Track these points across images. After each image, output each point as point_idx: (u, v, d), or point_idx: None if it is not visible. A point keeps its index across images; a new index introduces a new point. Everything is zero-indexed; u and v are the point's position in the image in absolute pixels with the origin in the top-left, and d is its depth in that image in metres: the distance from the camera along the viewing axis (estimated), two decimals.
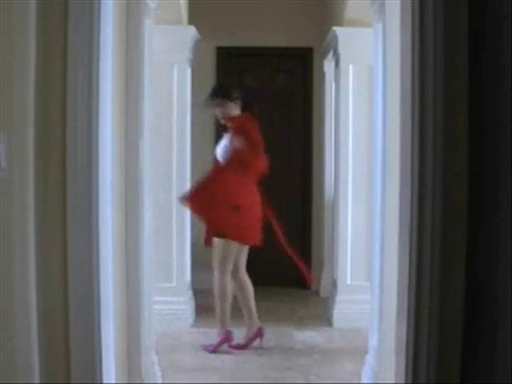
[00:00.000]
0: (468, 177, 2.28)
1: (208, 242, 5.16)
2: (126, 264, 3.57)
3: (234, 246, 5.09)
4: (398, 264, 2.60)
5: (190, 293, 5.87)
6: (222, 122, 5.29)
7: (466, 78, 2.27)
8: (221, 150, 5.16)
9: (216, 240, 5.07)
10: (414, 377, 2.37)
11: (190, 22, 5.87)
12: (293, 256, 5.24)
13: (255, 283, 7.11)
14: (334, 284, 5.89)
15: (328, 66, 6.63)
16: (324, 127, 6.89)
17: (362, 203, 5.53)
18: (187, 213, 5.74)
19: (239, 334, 5.16)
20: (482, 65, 2.29)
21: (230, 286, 5.18)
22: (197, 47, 5.99)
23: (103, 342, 2.62)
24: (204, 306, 6.20)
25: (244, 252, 5.26)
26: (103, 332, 2.63)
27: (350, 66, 5.65)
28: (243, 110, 5.26)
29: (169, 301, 5.49)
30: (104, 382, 2.64)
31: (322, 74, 6.90)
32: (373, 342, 3.97)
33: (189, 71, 5.76)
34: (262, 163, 5.08)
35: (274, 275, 7.25)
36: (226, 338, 5.07)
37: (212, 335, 5.43)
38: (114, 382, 3.01)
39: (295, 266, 7.30)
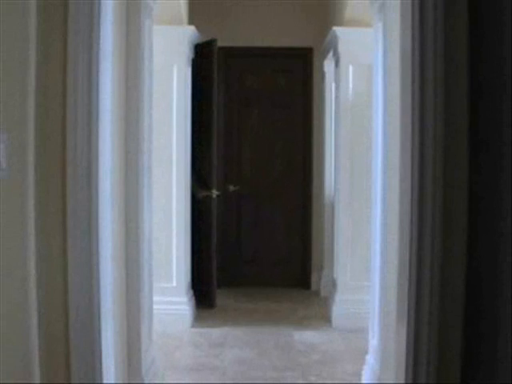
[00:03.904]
0: (468, 176, 2.29)
1: None
2: (125, 264, 3.57)
3: None
4: (397, 264, 2.60)
5: (190, 293, 5.88)
6: None
7: (467, 77, 2.27)
8: None
9: None
10: (414, 377, 2.37)
11: (190, 22, 5.87)
12: None
13: (255, 283, 7.15)
14: (334, 284, 5.89)
15: (328, 65, 6.64)
16: (324, 127, 6.89)
17: (362, 203, 5.53)
18: (187, 213, 5.74)
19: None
20: (482, 64, 2.29)
21: None
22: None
23: (103, 342, 2.62)
24: (204, 306, 6.21)
25: None
26: (103, 332, 2.63)
27: (350, 66, 5.65)
28: None
29: (169, 301, 5.49)
30: (104, 382, 2.64)
31: (322, 74, 6.90)
32: (373, 342, 3.97)
33: (189, 71, 5.76)
34: None
35: (274, 275, 7.26)
36: None
37: (212, 335, 5.43)
38: (114, 381, 3.01)
39: (295, 266, 7.36)
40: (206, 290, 6.30)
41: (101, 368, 2.60)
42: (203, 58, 6.22)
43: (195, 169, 6.18)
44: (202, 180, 6.29)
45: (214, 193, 6.23)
